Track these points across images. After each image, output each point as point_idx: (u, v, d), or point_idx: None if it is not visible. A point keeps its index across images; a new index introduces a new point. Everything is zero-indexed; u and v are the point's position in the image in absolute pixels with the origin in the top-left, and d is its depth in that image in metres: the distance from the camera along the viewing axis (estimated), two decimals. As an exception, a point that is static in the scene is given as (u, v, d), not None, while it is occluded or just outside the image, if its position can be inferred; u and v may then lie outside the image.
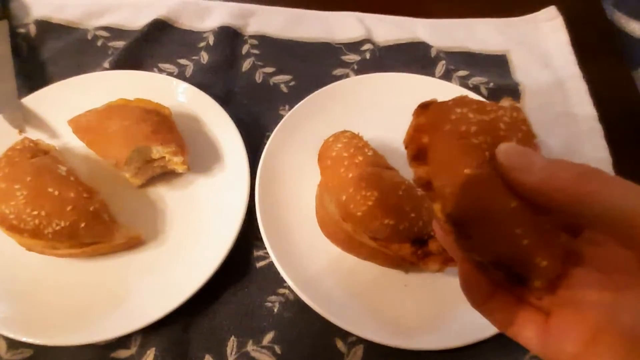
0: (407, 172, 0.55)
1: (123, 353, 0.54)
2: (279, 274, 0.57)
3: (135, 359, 0.54)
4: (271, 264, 0.58)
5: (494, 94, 0.71)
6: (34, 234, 0.52)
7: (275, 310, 0.57)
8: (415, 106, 0.66)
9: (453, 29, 0.80)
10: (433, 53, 0.75)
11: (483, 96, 0.70)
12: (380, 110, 0.69)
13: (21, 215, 0.51)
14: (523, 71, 0.75)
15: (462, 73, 0.74)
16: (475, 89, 0.71)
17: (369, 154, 0.56)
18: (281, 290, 0.58)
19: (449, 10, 0.81)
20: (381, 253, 0.55)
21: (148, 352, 0.54)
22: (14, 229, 0.52)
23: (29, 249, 0.55)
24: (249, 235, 0.60)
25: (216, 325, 0.56)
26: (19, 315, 0.54)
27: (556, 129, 0.69)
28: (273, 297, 0.58)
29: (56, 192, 0.52)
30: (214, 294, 0.57)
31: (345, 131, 0.60)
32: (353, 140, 0.57)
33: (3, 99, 0.66)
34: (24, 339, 0.52)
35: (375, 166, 0.55)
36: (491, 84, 0.72)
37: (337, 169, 0.55)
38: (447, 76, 0.73)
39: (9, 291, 0.55)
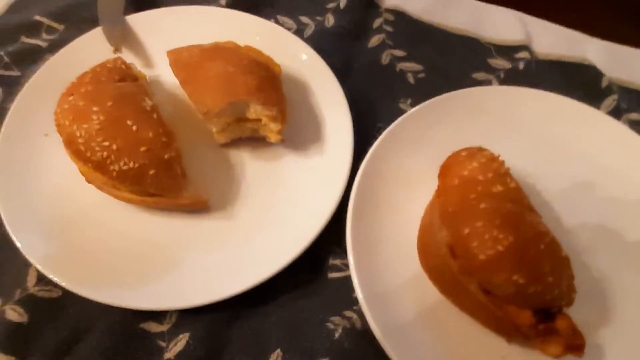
0: (550, 221, 0.44)
1: (154, 327, 0.48)
2: (351, 292, 0.48)
3: (165, 338, 0.47)
4: (346, 279, 0.49)
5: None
6: (98, 167, 0.45)
7: (336, 335, 0.48)
8: (573, 140, 0.57)
9: (633, 60, 0.65)
10: (604, 83, 0.61)
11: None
12: (526, 135, 0.56)
13: (90, 143, 0.44)
14: None
15: (635, 116, 0.59)
16: (648, 139, 0.56)
17: (512, 185, 0.44)
18: (348, 313, 0.49)
19: (631, 37, 0.66)
20: (489, 311, 0.43)
21: (181, 335, 0.47)
22: (80, 156, 0.45)
23: (89, 181, 0.49)
24: (329, 238, 0.51)
25: (264, 331, 0.48)
26: (56, 250, 0.48)
27: None
28: (337, 319, 0.48)
29: (134, 127, 0.45)
30: (269, 293, 0.49)
31: (483, 149, 0.48)
32: (492, 164, 0.45)
33: (107, 10, 0.60)
34: (53, 278, 0.46)
35: (516, 203, 0.42)
36: (670, 140, 0.56)
37: (466, 192, 0.43)
38: (615, 115, 0.58)
39: (53, 220, 0.50)
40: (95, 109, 0.45)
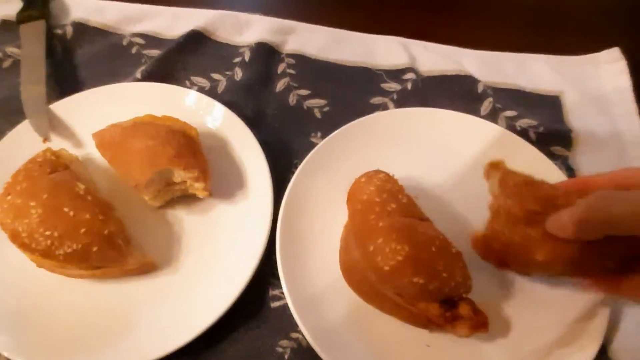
0: (442, 223, 0.52)
1: (121, 384, 0.52)
2: (292, 316, 0.53)
3: (137, 391, 0.52)
4: (286, 306, 0.54)
5: (544, 140, 0.65)
6: (45, 254, 0.50)
7: (286, 357, 0.54)
8: (457, 146, 0.66)
9: (503, 63, 0.74)
10: (480, 88, 0.70)
11: (531, 141, 0.64)
12: (419, 148, 0.64)
13: (34, 235, 0.49)
14: (577, 116, 0.69)
15: (510, 113, 0.68)
16: (523, 132, 0.66)
17: (403, 201, 0.52)
18: (294, 335, 0.55)
19: (499, 43, 0.76)
20: (406, 310, 0.50)
21: (148, 387, 0.52)
22: (26, 247, 0.50)
23: (39, 266, 0.53)
24: (266, 271, 0.57)
25: (223, 365, 0.53)
26: (22, 334, 0.52)
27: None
28: (285, 342, 0.54)
29: (71, 213, 0.50)
30: (224, 330, 0.54)
31: (379, 172, 0.56)
32: (387, 184, 0.53)
33: (31, 103, 0.65)
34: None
35: (408, 216, 0.51)
36: (541, 128, 0.66)
37: (367, 215, 0.51)
38: (493, 115, 0.68)
39: (14, 308, 0.54)
40: (32, 203, 0.50)
